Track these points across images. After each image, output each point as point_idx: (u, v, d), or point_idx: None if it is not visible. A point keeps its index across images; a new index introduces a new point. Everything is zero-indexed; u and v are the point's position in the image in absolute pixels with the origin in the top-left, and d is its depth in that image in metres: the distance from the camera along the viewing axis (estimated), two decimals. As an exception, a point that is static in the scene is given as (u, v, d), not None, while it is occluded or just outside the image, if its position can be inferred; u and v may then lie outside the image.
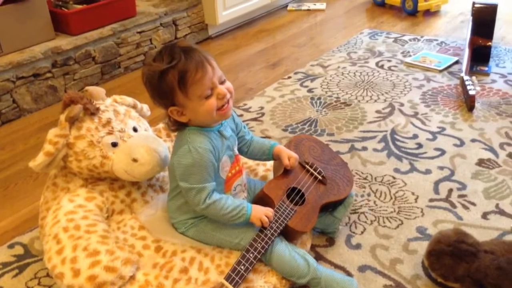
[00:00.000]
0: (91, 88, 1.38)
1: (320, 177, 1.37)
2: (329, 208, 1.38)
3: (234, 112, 1.35)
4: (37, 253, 1.40)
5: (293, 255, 1.20)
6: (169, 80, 1.12)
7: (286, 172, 1.33)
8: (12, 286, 1.30)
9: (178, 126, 1.21)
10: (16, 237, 1.48)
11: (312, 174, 1.37)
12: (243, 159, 1.49)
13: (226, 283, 1.10)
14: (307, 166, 1.38)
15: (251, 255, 1.15)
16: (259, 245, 1.16)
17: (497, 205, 1.49)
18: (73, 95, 1.30)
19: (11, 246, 1.44)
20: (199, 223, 1.27)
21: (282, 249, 1.20)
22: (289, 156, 1.33)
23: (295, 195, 1.30)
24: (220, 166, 1.22)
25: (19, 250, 1.42)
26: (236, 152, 1.29)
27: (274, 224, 1.20)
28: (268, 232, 1.19)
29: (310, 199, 1.30)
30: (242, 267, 1.13)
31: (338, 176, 1.42)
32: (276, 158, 1.37)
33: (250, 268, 1.14)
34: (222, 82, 1.17)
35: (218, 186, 1.23)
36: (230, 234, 1.23)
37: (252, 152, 1.39)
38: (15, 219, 1.58)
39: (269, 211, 1.21)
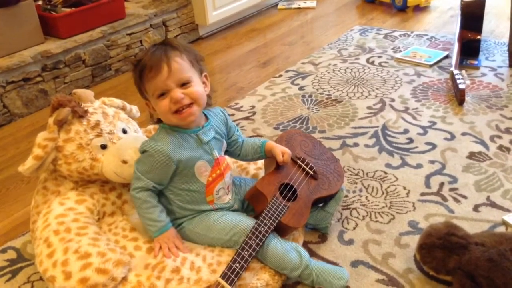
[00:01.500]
0: (79, 91, 1.38)
1: (311, 172, 1.37)
2: (321, 203, 1.39)
3: (227, 115, 1.35)
4: (29, 257, 1.40)
5: (286, 247, 1.20)
6: (136, 74, 1.18)
7: (278, 168, 1.34)
8: (5, 291, 1.30)
9: (157, 120, 1.25)
10: (9, 241, 1.47)
11: (303, 169, 1.37)
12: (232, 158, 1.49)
13: (223, 282, 1.09)
14: (299, 162, 1.38)
15: (245, 252, 1.15)
16: (253, 242, 1.17)
17: (488, 198, 1.50)
18: (61, 98, 1.30)
19: (3, 251, 1.43)
20: (188, 224, 1.27)
21: (275, 243, 1.20)
22: (283, 152, 1.33)
23: (287, 191, 1.30)
24: (196, 171, 1.23)
25: (11, 254, 1.42)
26: (217, 155, 1.27)
27: (267, 221, 1.20)
28: (262, 229, 1.19)
29: (302, 195, 1.31)
30: (237, 264, 1.13)
31: (329, 170, 1.42)
32: (268, 154, 1.37)
33: (246, 265, 1.14)
34: (183, 85, 1.16)
35: (198, 191, 1.25)
36: (220, 232, 1.23)
37: (244, 153, 1.40)
38: (7, 223, 1.58)
39: (176, 246, 1.22)
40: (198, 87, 1.19)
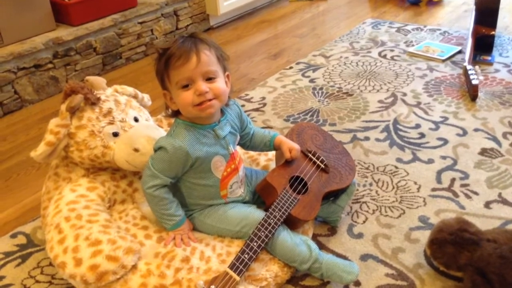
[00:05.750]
0: (92, 78, 1.37)
1: (322, 166, 1.37)
2: (332, 196, 1.38)
3: (241, 108, 1.33)
4: (39, 243, 1.40)
5: (295, 240, 1.20)
6: (161, 62, 1.15)
7: (289, 160, 1.33)
8: (15, 275, 1.31)
9: (172, 112, 1.23)
10: (19, 227, 1.48)
11: (314, 162, 1.37)
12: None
13: (231, 272, 1.09)
14: (310, 155, 1.38)
15: (254, 244, 1.15)
16: (262, 234, 1.16)
17: (499, 194, 1.49)
18: (74, 85, 1.29)
19: (13, 236, 1.44)
20: (198, 215, 1.27)
21: (285, 236, 1.20)
22: (290, 148, 1.32)
23: (298, 184, 1.30)
24: (212, 166, 1.22)
25: (21, 239, 1.43)
26: (232, 150, 1.26)
27: (277, 213, 1.20)
28: (272, 221, 1.19)
29: (313, 188, 1.30)
30: (246, 255, 1.13)
31: (341, 164, 1.41)
32: (277, 148, 1.37)
33: (254, 256, 1.14)
34: (209, 79, 1.15)
35: (213, 186, 1.24)
36: (230, 223, 1.23)
37: (254, 145, 1.39)
38: (17, 209, 1.59)
39: (188, 238, 1.23)
40: (222, 84, 1.17)
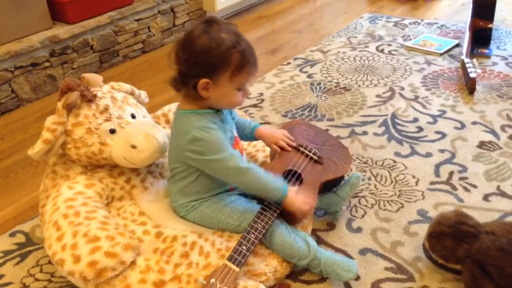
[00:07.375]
0: (88, 75, 1.37)
1: (315, 158, 1.37)
2: (332, 187, 1.39)
3: None
4: (38, 241, 1.40)
5: (294, 237, 1.20)
6: (229, 58, 1.14)
7: (282, 156, 1.34)
8: (14, 274, 1.30)
9: (192, 94, 1.19)
10: (17, 225, 1.48)
11: (307, 155, 1.37)
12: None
13: (230, 264, 1.10)
14: (301, 148, 1.38)
15: (252, 235, 1.16)
16: (259, 225, 1.17)
17: (498, 187, 1.49)
18: (70, 82, 1.29)
19: (12, 235, 1.44)
20: (200, 205, 1.27)
21: (283, 232, 1.20)
22: (274, 142, 1.36)
23: (292, 177, 1.31)
24: None
25: (20, 238, 1.43)
26: (235, 134, 1.30)
27: (272, 205, 1.21)
28: (268, 212, 1.20)
29: (308, 179, 1.31)
30: (244, 247, 1.13)
31: (335, 155, 1.42)
32: (258, 139, 1.41)
33: (252, 248, 1.14)
34: None
35: None
36: (230, 216, 1.23)
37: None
38: (16, 207, 1.59)
39: (308, 201, 1.22)
40: None
